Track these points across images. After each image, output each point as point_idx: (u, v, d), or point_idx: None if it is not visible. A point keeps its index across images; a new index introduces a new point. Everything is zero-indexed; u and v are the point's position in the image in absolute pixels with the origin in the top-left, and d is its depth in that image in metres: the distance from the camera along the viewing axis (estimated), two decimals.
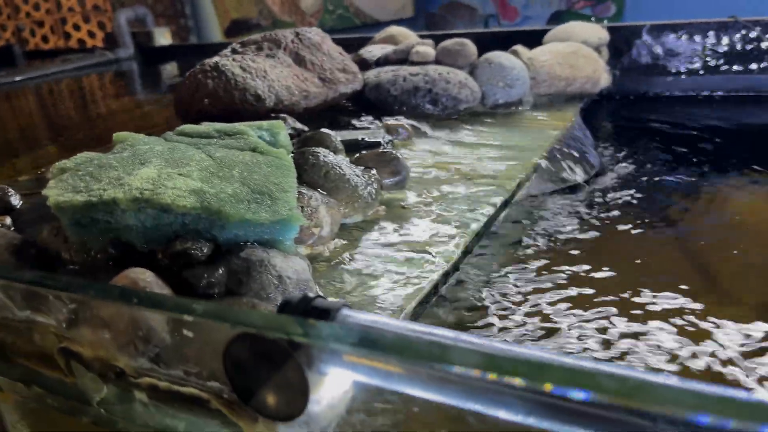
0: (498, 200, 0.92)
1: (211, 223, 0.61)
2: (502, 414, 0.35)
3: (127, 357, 0.49)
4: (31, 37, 2.97)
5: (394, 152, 0.94)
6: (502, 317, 0.77)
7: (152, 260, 0.63)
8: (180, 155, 0.69)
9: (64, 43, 3.10)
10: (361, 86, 1.25)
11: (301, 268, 0.64)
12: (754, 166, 1.32)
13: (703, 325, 0.75)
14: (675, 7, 2.62)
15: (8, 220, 0.71)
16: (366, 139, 1.02)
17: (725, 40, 1.61)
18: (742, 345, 0.72)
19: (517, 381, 0.34)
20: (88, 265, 0.63)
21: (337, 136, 0.97)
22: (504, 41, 1.62)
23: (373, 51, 1.48)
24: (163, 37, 2.33)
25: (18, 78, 1.97)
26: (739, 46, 1.59)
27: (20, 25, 3.04)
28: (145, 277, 0.56)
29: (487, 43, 1.56)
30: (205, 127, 0.80)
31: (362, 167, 0.89)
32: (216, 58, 1.02)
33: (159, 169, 0.65)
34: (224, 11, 3.08)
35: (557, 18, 2.79)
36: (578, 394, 0.32)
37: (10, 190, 0.77)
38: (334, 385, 0.43)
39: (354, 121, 1.16)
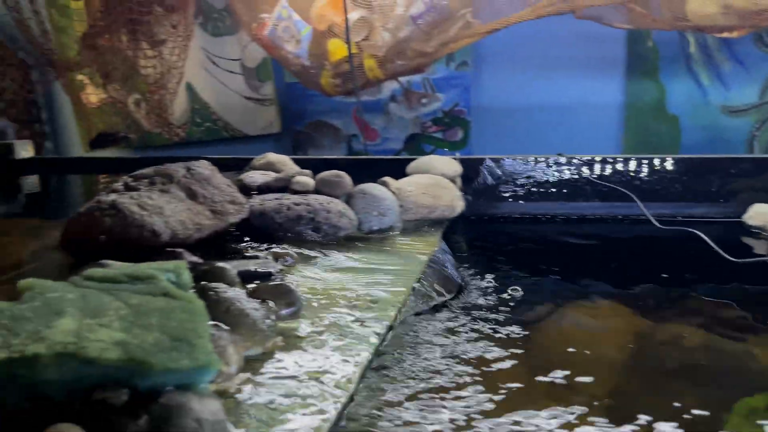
0: (382, 327, 1.01)
1: (132, 373, 0.64)
2: None
3: None
4: None
5: (289, 285, 1.01)
6: None
7: (69, 410, 0.64)
8: (95, 304, 0.71)
9: None
10: (247, 215, 1.32)
11: (216, 409, 0.68)
12: (582, 278, 1.55)
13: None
14: (511, 134, 2.98)
15: None
16: (258, 270, 1.08)
17: (553, 172, 1.89)
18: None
19: None
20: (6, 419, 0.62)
21: (233, 269, 1.03)
22: (369, 167, 1.79)
23: (254, 177, 1.56)
24: (25, 150, 2.27)
25: None
26: (563, 178, 1.88)
27: None
28: None
29: (355, 168, 1.70)
30: (113, 271, 0.83)
31: (259, 299, 0.96)
32: (113, 196, 1.05)
33: (77, 321, 0.67)
34: (88, 122, 3.03)
35: (413, 139, 3.04)
36: None
37: None
38: None
39: (242, 250, 1.22)
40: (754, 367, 1.21)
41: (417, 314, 1.21)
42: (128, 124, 3.01)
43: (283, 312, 0.98)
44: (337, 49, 2.33)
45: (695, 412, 0.93)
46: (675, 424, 0.90)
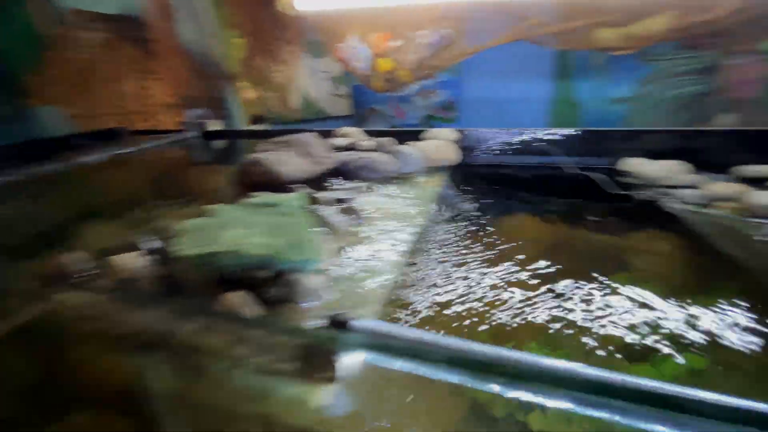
0: (414, 230, 0.93)
1: (271, 261, 0.59)
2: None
3: None
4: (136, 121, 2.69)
5: (356, 205, 0.93)
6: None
7: (238, 281, 0.59)
8: (250, 220, 0.65)
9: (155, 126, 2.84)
10: (335, 164, 1.22)
11: (317, 281, 0.63)
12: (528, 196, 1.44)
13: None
14: (483, 115, 2.75)
15: (150, 257, 0.64)
16: (341, 197, 1.00)
17: (509, 138, 1.72)
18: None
19: None
20: (203, 287, 0.58)
21: (329, 196, 0.95)
22: (406, 135, 1.65)
23: (337, 141, 1.45)
24: (215, 125, 2.18)
25: (126, 150, 1.76)
26: (515, 141, 1.71)
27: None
28: (239, 298, 0.53)
29: (399, 135, 1.59)
30: (258, 199, 0.76)
31: (343, 213, 0.88)
32: (258, 154, 0.97)
33: (240, 230, 0.61)
34: (247, 109, 2.92)
35: (427, 118, 2.84)
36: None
37: (148, 237, 0.69)
38: (351, 365, 0.43)
39: (334, 184, 1.14)
40: (623, 253, 1.11)
41: (435, 222, 1.13)
42: (267, 110, 2.86)
43: (356, 220, 0.91)
44: (383, 64, 2.12)
45: (585, 275, 0.87)
46: (574, 278, 0.85)
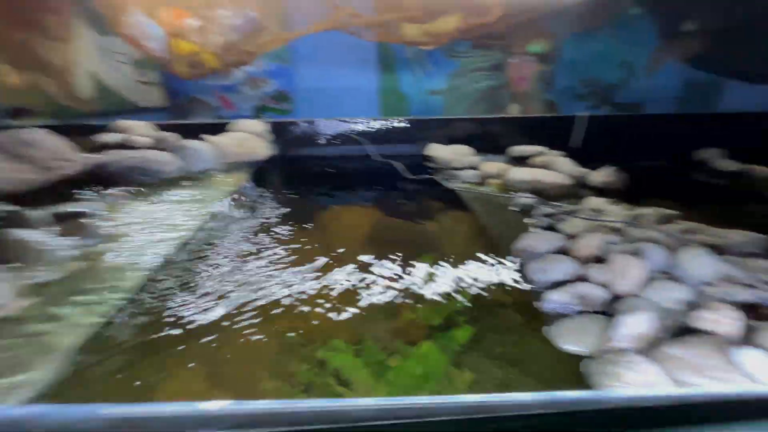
0: (178, 243, 0.78)
1: None
2: None
3: None
4: None
5: (88, 222, 0.73)
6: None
7: None
8: None
9: None
10: (82, 168, 0.96)
11: None
12: (340, 190, 1.44)
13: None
14: (317, 104, 2.70)
15: None
16: (73, 210, 0.78)
17: (333, 128, 1.70)
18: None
19: None
20: None
21: (43, 212, 0.72)
22: (214, 127, 1.45)
23: (105, 137, 1.16)
24: None
25: None
26: (338, 132, 1.70)
27: None
28: None
29: (207, 128, 1.38)
30: None
31: (63, 235, 0.68)
32: None
33: None
34: (6, 98, 2.22)
35: (259, 109, 2.63)
36: None
37: None
38: None
39: (78, 195, 0.89)
40: (427, 237, 1.18)
41: (227, 220, 0.99)
42: (44, 100, 2.24)
43: (88, 242, 0.71)
44: (182, 46, 1.84)
45: (400, 261, 0.88)
46: (391, 262, 0.85)
